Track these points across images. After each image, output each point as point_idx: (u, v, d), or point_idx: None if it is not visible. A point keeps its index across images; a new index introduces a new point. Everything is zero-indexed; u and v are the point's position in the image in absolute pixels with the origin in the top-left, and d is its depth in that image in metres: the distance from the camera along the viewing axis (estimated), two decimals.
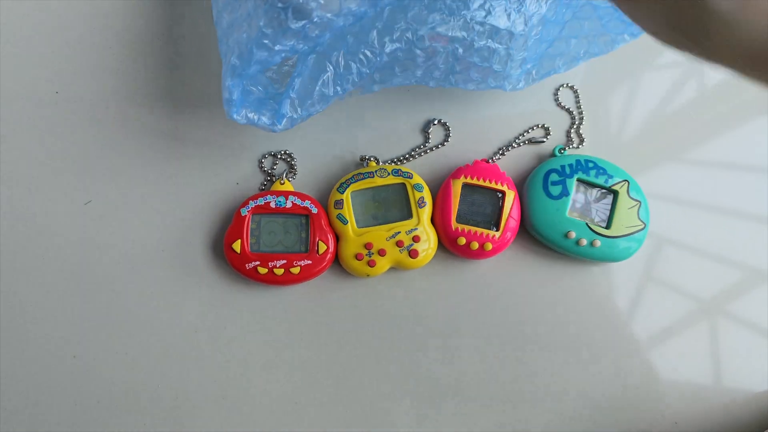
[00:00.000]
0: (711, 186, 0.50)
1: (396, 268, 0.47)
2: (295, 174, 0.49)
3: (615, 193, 0.48)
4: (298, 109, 0.42)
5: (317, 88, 0.42)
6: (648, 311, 0.48)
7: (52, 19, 0.50)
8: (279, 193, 0.47)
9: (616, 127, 0.51)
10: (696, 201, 0.50)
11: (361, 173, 0.47)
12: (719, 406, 0.46)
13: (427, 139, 0.50)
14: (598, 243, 0.47)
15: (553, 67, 0.46)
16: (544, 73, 0.46)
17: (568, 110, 0.51)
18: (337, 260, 0.47)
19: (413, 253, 0.46)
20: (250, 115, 0.41)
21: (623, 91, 0.52)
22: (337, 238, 0.47)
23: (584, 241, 0.47)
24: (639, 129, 0.51)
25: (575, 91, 0.51)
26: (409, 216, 0.47)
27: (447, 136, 0.50)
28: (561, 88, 0.51)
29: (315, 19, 0.35)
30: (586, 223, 0.47)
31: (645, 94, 0.52)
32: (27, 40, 0.50)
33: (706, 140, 0.51)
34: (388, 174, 0.47)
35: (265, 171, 0.49)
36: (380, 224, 0.47)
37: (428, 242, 0.47)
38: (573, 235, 0.47)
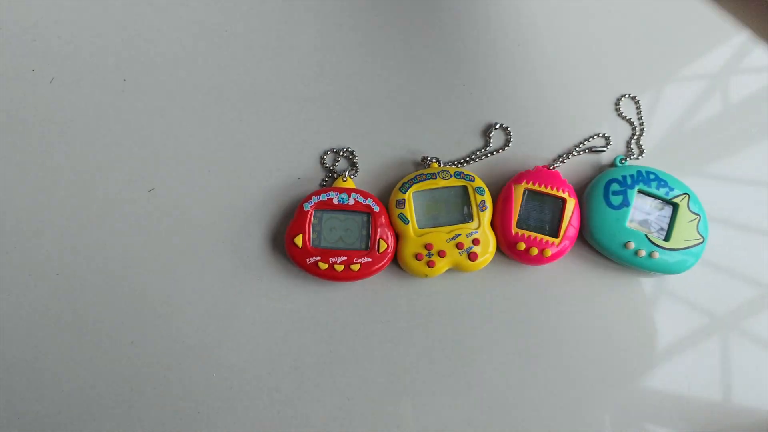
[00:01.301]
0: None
1: (454, 269, 0.47)
2: (356, 171, 0.49)
3: (675, 206, 0.48)
4: None
5: None
6: (705, 320, 0.48)
7: (122, 13, 0.51)
8: (342, 190, 0.47)
9: (676, 139, 0.51)
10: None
11: (423, 174, 0.48)
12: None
13: (488, 142, 0.50)
14: (656, 255, 0.47)
15: None
16: None
17: (629, 120, 0.51)
18: (395, 259, 0.47)
19: (473, 256, 0.46)
20: None
21: (684, 104, 0.52)
22: (397, 238, 0.47)
23: (643, 252, 0.47)
24: (697, 141, 0.51)
25: (637, 102, 0.51)
26: (470, 219, 0.47)
27: (508, 140, 0.50)
28: (622, 99, 0.52)
29: None
30: (646, 234, 0.47)
31: (706, 109, 0.52)
32: (96, 30, 0.50)
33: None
34: (451, 176, 0.47)
35: (326, 167, 0.49)
36: (441, 225, 0.47)
37: (488, 246, 0.47)
38: (632, 245, 0.47)
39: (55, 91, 0.49)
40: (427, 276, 0.47)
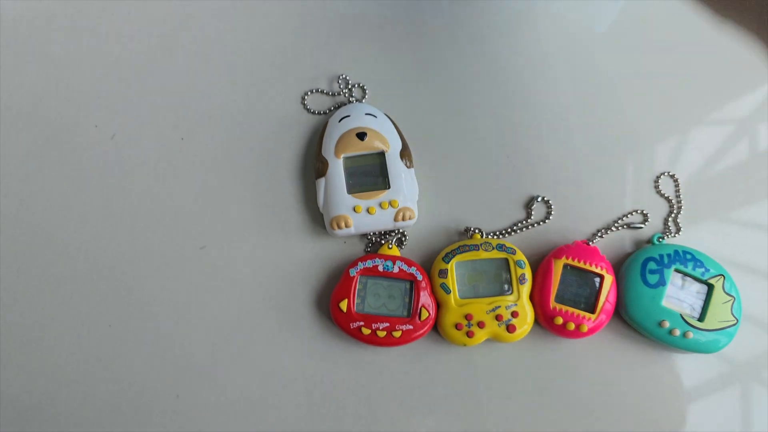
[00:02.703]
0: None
1: (492, 340, 0.48)
2: (405, 241, 0.51)
3: (710, 287, 0.49)
4: None
5: None
6: (744, 403, 0.49)
7: (181, 70, 0.53)
8: (387, 257, 0.49)
9: (714, 220, 0.52)
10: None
11: (466, 245, 0.49)
12: None
13: (529, 214, 0.52)
14: (690, 335, 0.48)
15: None
16: None
17: (667, 198, 0.53)
18: (435, 327, 0.49)
19: (511, 328, 0.47)
20: None
21: (720, 183, 0.53)
22: (439, 306, 0.48)
23: (677, 332, 0.48)
24: (737, 222, 0.52)
25: (676, 180, 0.53)
26: (510, 291, 0.48)
27: (549, 213, 0.52)
28: (662, 176, 0.53)
29: None
30: (681, 314, 0.48)
31: (739, 193, 0.53)
32: (157, 88, 0.52)
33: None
34: (493, 248, 0.49)
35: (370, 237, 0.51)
36: (481, 296, 0.48)
37: (526, 318, 0.48)
38: (667, 324, 0.48)
39: (116, 146, 0.51)
40: (465, 345, 0.48)
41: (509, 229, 0.51)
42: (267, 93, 0.53)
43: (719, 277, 0.49)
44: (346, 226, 0.48)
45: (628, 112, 0.54)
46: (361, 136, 0.48)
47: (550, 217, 0.52)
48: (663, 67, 0.55)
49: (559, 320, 0.48)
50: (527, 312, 0.48)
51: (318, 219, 0.50)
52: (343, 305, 0.47)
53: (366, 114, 0.50)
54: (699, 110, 0.55)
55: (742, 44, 0.52)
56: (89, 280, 0.49)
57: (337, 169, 0.49)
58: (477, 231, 0.51)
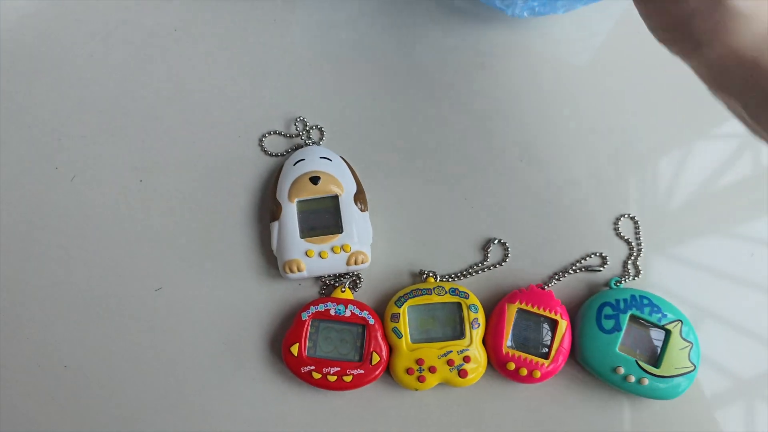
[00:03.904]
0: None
1: (444, 384, 0.48)
2: (359, 284, 0.51)
3: (668, 332, 0.48)
4: None
5: None
6: None
7: (141, 112, 0.54)
8: (339, 301, 0.49)
9: (673, 261, 0.52)
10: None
11: (419, 289, 0.49)
12: None
13: (486, 257, 0.51)
14: (645, 381, 0.47)
15: (554, 7, 0.51)
16: (545, 11, 0.51)
17: (626, 240, 0.52)
18: (387, 371, 0.49)
19: (463, 373, 0.47)
20: None
21: (681, 225, 0.53)
22: (390, 350, 0.48)
23: (632, 378, 0.47)
24: (697, 264, 0.52)
25: (636, 222, 0.52)
26: (462, 336, 0.48)
27: (505, 255, 0.52)
28: (622, 218, 0.52)
29: None
30: (636, 360, 0.48)
31: (704, 231, 0.53)
32: (117, 130, 0.53)
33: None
34: (446, 292, 0.49)
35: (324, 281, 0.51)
36: (433, 341, 0.48)
37: (478, 363, 0.48)
38: (621, 370, 0.47)
39: (75, 188, 0.52)
40: (417, 389, 0.48)
41: (465, 272, 0.51)
42: (225, 135, 0.53)
43: (677, 322, 0.48)
44: (299, 270, 0.48)
45: (587, 153, 0.54)
46: (315, 180, 0.49)
47: (507, 260, 0.52)
48: (620, 106, 0.55)
49: (512, 365, 0.48)
50: (480, 357, 0.48)
51: (273, 261, 0.50)
52: (294, 349, 0.47)
53: (321, 157, 0.50)
54: (659, 149, 0.54)
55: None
56: (44, 320, 0.50)
57: (290, 212, 0.49)
58: (431, 274, 0.51)
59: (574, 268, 0.52)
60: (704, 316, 0.51)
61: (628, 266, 0.52)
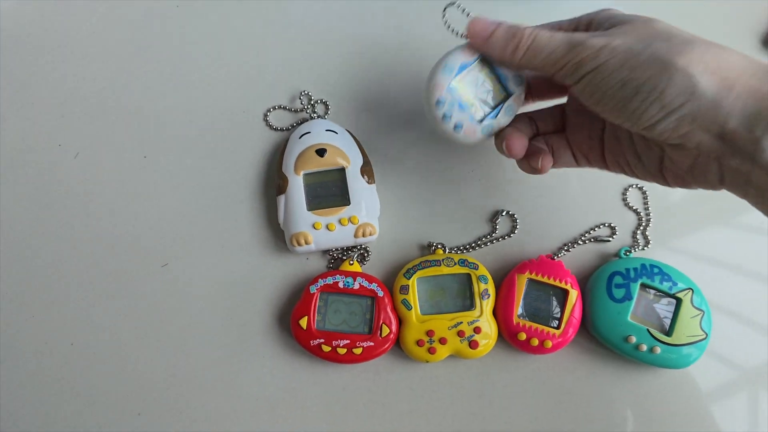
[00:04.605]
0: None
1: (455, 356, 0.48)
2: (367, 257, 0.50)
3: (678, 301, 0.48)
4: None
5: None
6: (709, 422, 0.48)
7: (144, 89, 0.53)
8: (348, 274, 0.48)
9: (683, 231, 0.51)
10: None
11: (428, 260, 0.49)
12: None
13: (494, 229, 0.51)
14: (657, 350, 0.47)
15: None
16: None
17: (635, 211, 0.52)
18: (397, 343, 0.48)
19: (473, 344, 0.47)
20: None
21: (693, 194, 0.52)
22: (400, 322, 0.48)
23: (644, 347, 0.47)
24: (706, 235, 0.51)
25: (644, 192, 0.52)
26: (472, 307, 0.48)
27: (514, 227, 0.51)
28: (630, 189, 0.52)
29: None
30: (647, 329, 0.47)
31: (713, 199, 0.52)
32: (120, 106, 0.53)
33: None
34: (455, 263, 0.48)
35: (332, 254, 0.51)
36: (443, 312, 0.48)
37: (489, 334, 0.47)
38: (633, 339, 0.47)
39: (79, 166, 0.52)
40: (427, 361, 0.47)
41: (473, 244, 0.51)
42: (230, 110, 0.53)
43: (687, 290, 0.48)
44: (306, 243, 0.47)
45: None
46: (321, 152, 0.48)
47: (516, 232, 0.51)
48: None
49: (523, 336, 0.47)
50: (490, 328, 0.48)
51: (280, 236, 0.50)
52: (303, 322, 0.47)
53: (327, 130, 0.50)
54: None
55: None
56: (51, 298, 0.49)
57: (296, 185, 0.48)
58: (440, 246, 0.50)
59: (583, 238, 0.51)
60: (713, 285, 0.50)
61: (638, 236, 0.52)
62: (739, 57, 0.35)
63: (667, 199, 0.52)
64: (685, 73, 0.33)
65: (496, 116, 0.43)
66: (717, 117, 0.33)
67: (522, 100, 0.43)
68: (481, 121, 0.42)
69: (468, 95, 0.42)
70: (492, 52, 0.40)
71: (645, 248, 0.51)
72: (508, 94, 0.43)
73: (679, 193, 0.52)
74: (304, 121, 0.52)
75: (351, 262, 0.49)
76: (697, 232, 0.52)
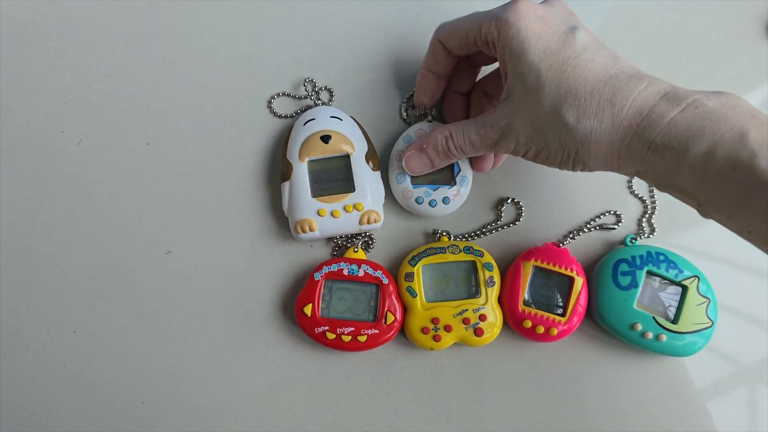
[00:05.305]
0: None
1: (460, 343, 0.47)
2: (371, 245, 0.50)
3: (684, 288, 0.48)
4: None
5: None
6: (714, 411, 0.48)
7: (148, 76, 0.53)
8: (352, 261, 0.48)
9: (688, 219, 0.51)
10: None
11: (433, 248, 0.48)
12: None
13: (499, 216, 0.51)
14: (663, 337, 0.47)
15: None
16: None
17: (641, 198, 0.52)
18: (402, 330, 0.48)
19: (479, 332, 0.47)
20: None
21: None
22: (405, 310, 0.48)
23: (650, 334, 0.47)
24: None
25: None
26: (477, 294, 0.48)
27: (519, 215, 0.51)
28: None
29: None
30: (653, 317, 0.47)
31: None
32: (123, 93, 0.52)
33: None
34: (460, 251, 0.48)
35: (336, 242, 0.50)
36: (448, 300, 0.48)
37: (494, 322, 0.47)
38: (639, 327, 0.47)
39: (82, 153, 0.51)
40: (432, 349, 0.47)
41: (478, 232, 0.51)
42: (233, 97, 0.52)
43: (693, 278, 0.48)
44: (311, 229, 0.47)
45: None
46: (326, 139, 0.48)
47: (521, 219, 0.51)
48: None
49: (528, 323, 0.47)
50: (496, 315, 0.47)
51: (284, 223, 0.50)
52: (308, 310, 0.47)
53: (331, 117, 0.49)
54: None
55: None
56: (54, 286, 0.49)
57: (301, 172, 0.48)
58: (445, 233, 0.50)
59: (588, 226, 0.51)
60: (720, 273, 0.50)
61: (643, 224, 0.51)
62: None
63: None
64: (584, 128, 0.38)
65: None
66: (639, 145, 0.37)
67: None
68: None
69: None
70: (437, 167, 0.47)
71: (650, 236, 0.51)
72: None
73: None
74: (308, 107, 0.52)
75: (355, 250, 0.49)
76: (703, 221, 0.51)
